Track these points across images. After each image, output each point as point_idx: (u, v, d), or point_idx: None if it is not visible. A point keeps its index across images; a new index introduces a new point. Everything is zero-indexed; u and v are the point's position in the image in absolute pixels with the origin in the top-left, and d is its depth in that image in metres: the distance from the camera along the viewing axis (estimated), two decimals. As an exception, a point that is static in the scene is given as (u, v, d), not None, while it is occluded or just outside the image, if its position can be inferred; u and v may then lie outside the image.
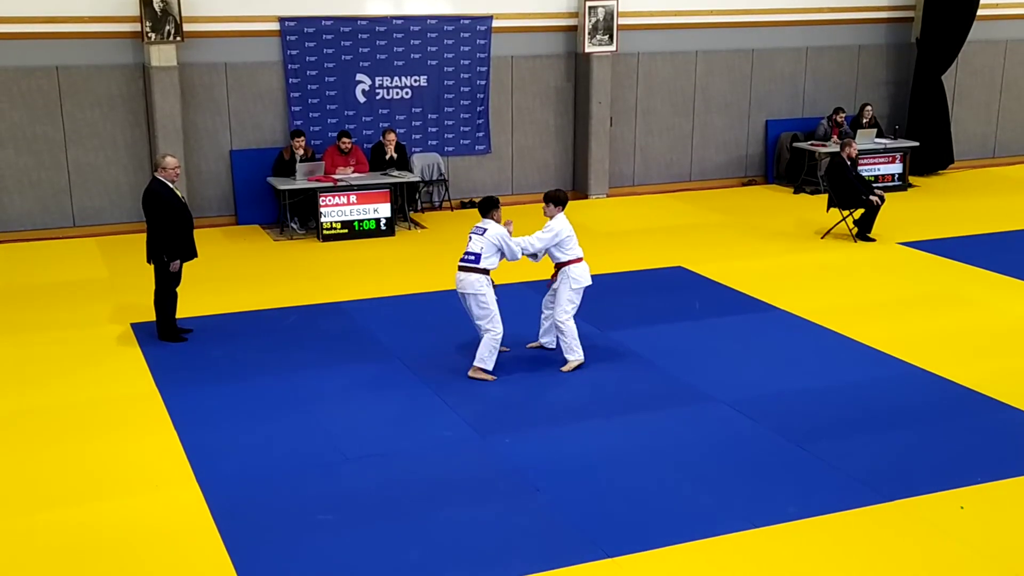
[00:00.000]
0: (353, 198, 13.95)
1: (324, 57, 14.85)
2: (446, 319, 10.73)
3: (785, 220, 15.00)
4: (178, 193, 10.01)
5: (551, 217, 9.43)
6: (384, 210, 14.10)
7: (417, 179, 15.04)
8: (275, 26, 14.56)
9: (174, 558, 6.48)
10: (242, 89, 14.57)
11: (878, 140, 17.06)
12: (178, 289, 10.14)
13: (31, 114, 13.75)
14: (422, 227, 14.70)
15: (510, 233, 9.27)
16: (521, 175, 16.33)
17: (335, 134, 14.71)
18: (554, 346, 9.77)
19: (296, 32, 14.65)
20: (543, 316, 9.84)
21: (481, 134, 15.95)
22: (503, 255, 9.23)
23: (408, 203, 14.87)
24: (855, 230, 13.82)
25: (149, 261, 10.03)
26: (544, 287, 9.86)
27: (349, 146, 14.36)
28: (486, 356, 9.19)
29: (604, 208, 15.86)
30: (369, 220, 14.07)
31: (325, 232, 13.92)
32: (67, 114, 13.89)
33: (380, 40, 15.09)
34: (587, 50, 15.87)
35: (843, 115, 17.17)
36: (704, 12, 16.73)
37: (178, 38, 13.76)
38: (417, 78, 15.43)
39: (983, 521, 6.89)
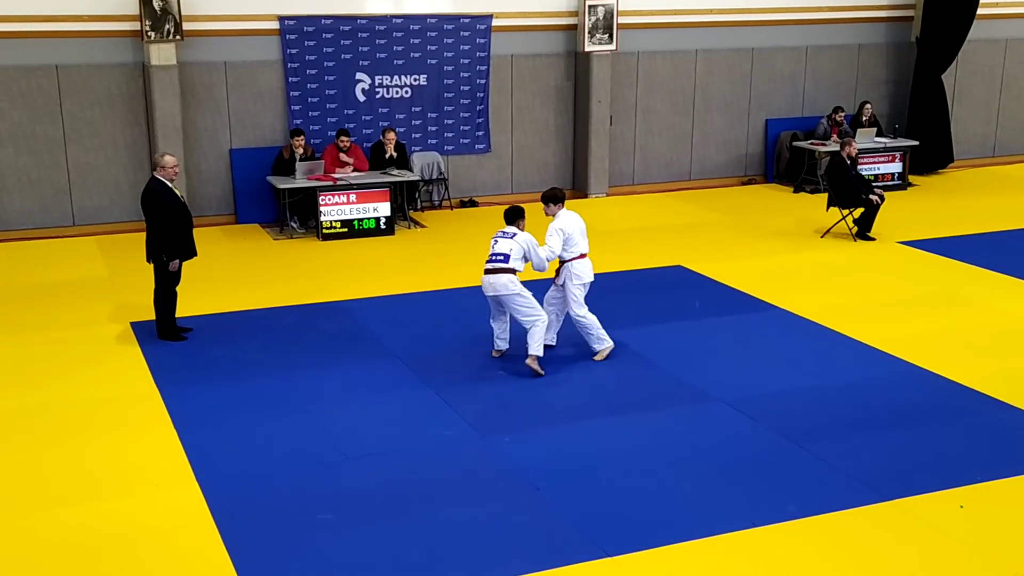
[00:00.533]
0: (353, 197, 13.95)
1: (324, 56, 14.85)
2: (446, 318, 10.74)
3: (785, 219, 14.99)
4: (177, 192, 10.01)
5: (553, 216, 9.42)
6: (384, 209, 14.10)
7: (417, 178, 15.04)
8: (275, 25, 14.56)
9: (174, 558, 6.48)
10: (242, 88, 14.56)
11: (878, 139, 17.05)
12: (178, 288, 10.14)
13: (31, 113, 13.75)
14: (422, 226, 14.70)
15: None
16: (521, 174, 16.32)
17: (335, 133, 14.71)
18: (555, 343, 9.77)
19: (296, 31, 14.65)
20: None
21: (481, 133, 15.95)
22: (527, 260, 9.27)
23: (408, 202, 14.86)
24: (855, 229, 13.82)
25: (148, 260, 10.03)
26: (544, 287, 9.86)
27: (348, 145, 14.36)
28: (539, 343, 9.21)
29: (604, 207, 15.85)
30: (369, 219, 14.06)
31: (325, 231, 13.92)
32: (67, 113, 13.89)
33: (380, 39, 15.09)
34: (587, 49, 15.86)
35: (843, 114, 17.16)
36: (704, 11, 16.73)
37: (178, 37, 13.76)
38: (417, 77, 15.43)
39: (982, 521, 6.89)
